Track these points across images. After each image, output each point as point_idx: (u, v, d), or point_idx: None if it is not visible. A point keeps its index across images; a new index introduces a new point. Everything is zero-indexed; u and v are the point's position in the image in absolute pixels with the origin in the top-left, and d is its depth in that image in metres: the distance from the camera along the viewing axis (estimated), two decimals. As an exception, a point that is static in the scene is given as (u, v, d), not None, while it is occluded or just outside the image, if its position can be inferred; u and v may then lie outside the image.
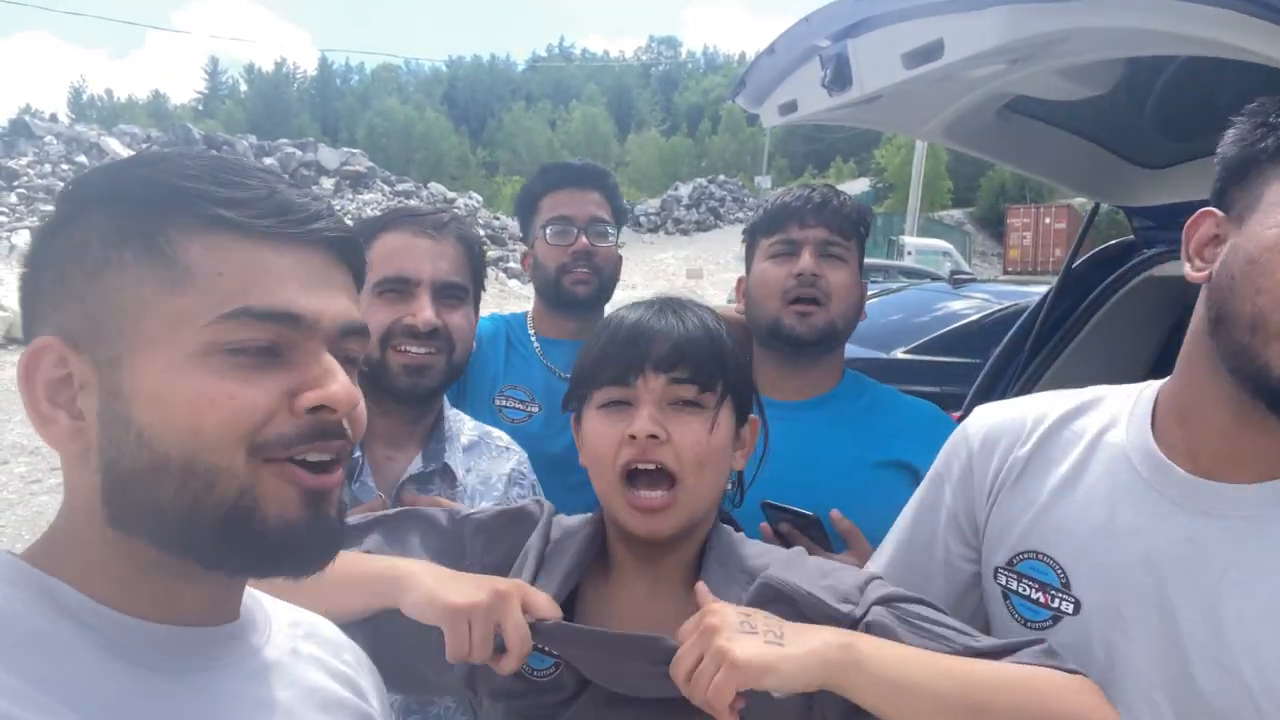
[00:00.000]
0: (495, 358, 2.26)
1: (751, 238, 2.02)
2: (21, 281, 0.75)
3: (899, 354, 5.28)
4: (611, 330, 1.27)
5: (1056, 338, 2.81)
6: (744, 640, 1.03)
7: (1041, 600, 1.23)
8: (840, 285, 1.88)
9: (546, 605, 1.14)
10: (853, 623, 1.14)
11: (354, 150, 35.15)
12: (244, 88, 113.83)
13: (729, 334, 1.30)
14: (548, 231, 2.26)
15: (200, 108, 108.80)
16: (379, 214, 1.81)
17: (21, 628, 0.68)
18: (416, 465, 1.72)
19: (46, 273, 0.74)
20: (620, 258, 2.40)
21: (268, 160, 31.64)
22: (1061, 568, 1.22)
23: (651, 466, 1.20)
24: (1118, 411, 1.27)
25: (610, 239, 2.32)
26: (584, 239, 2.25)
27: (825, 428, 1.88)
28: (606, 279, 2.31)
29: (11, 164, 22.49)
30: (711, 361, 1.24)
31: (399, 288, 1.67)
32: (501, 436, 1.90)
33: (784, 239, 1.91)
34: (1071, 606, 1.21)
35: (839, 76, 1.85)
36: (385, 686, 1.21)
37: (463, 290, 1.74)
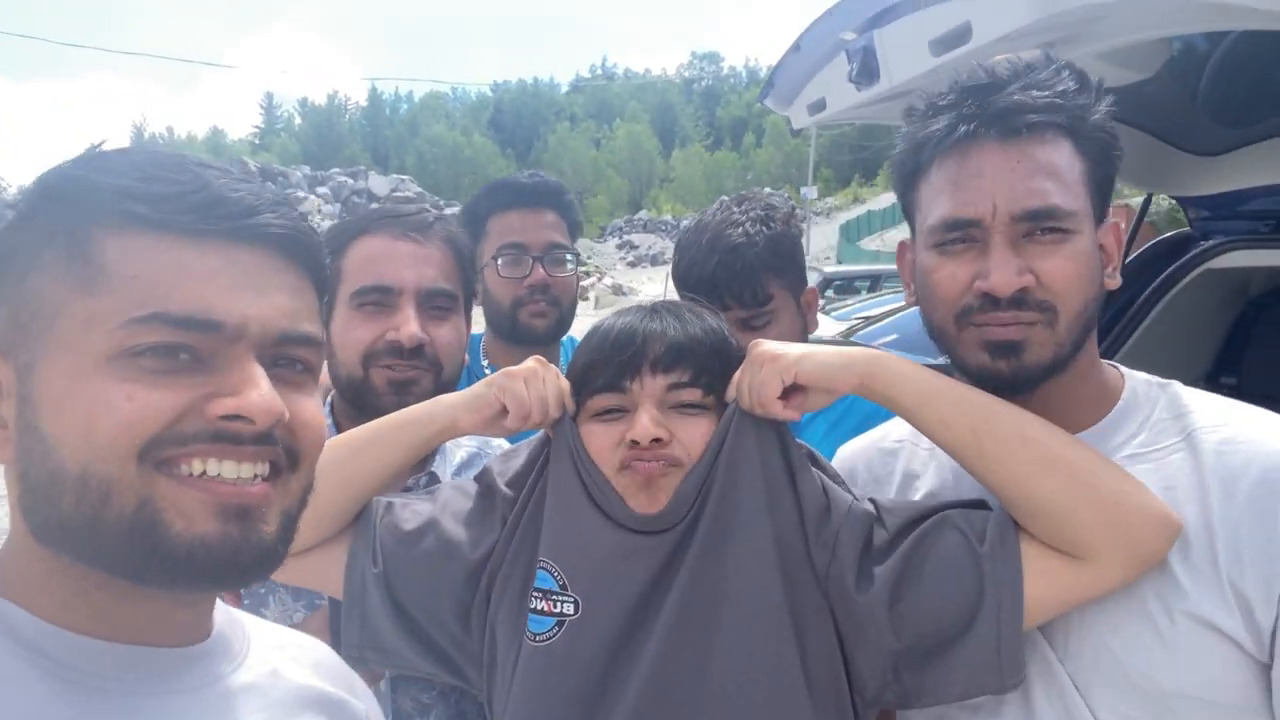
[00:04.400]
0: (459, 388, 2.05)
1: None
2: None
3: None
4: (600, 335, 1.19)
5: (1111, 337, 2.69)
6: (781, 344, 1.17)
7: None
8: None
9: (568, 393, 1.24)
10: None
11: (403, 177, 35.93)
12: (298, 120, 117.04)
13: (733, 335, 1.23)
14: (499, 262, 2.05)
15: (257, 141, 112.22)
16: (355, 216, 1.64)
17: None
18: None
19: None
20: (579, 281, 2.18)
21: (320, 189, 32.32)
22: None
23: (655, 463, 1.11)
24: None
25: (569, 266, 2.10)
26: (540, 270, 2.04)
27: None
28: (566, 310, 2.11)
29: (77, 201, 23.39)
30: (714, 360, 1.16)
31: (379, 299, 1.51)
32: (503, 446, 1.69)
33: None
34: None
35: (866, 69, 1.79)
36: (408, 666, 1.24)
37: (451, 298, 1.57)
